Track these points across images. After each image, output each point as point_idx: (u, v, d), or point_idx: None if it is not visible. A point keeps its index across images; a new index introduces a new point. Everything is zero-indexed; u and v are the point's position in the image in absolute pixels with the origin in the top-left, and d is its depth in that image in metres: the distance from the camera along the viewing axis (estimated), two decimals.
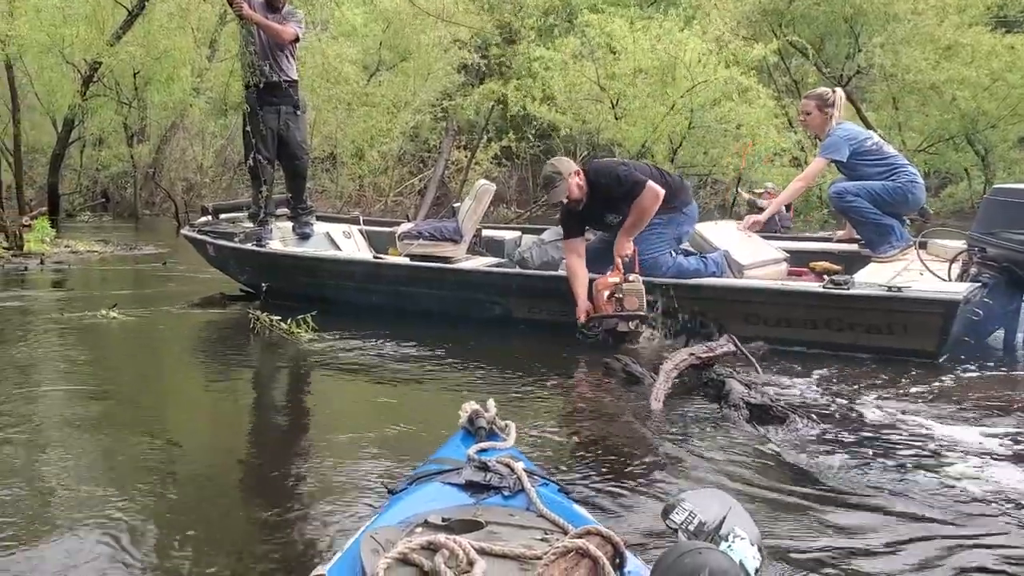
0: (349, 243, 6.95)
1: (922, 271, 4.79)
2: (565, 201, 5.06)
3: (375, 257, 6.17)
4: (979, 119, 14.93)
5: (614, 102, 13.69)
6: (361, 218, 7.55)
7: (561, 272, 5.28)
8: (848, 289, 4.59)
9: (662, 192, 4.90)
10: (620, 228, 5.00)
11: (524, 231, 6.94)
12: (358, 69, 16.44)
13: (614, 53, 13.53)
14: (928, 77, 14.35)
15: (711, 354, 4.20)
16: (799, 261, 5.56)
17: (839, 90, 5.62)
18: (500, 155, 17.66)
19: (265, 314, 5.26)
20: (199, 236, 6.64)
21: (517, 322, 5.41)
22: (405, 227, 6.39)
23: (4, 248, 9.59)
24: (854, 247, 5.67)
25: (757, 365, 4.20)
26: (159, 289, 7.49)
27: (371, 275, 5.89)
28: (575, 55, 14.06)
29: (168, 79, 16.66)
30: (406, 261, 5.90)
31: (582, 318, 4.88)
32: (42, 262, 9.10)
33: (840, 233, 5.99)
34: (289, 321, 5.08)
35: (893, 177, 5.24)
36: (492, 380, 4.19)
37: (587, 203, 5.09)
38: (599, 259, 5.15)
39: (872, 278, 4.76)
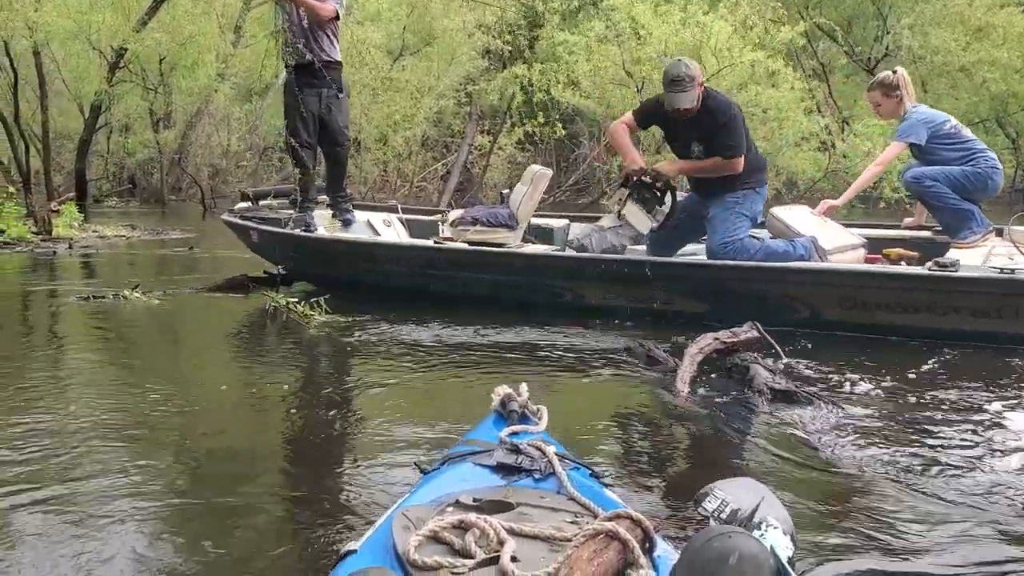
0: (390, 231, 6.79)
1: (1012, 256, 4.60)
2: (684, 109, 4.88)
3: (435, 242, 5.98)
4: (1010, 101, 14.73)
5: (640, 86, 13.60)
6: (399, 206, 7.43)
7: (641, 256, 5.23)
8: (956, 271, 4.44)
9: (737, 171, 4.94)
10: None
11: (572, 218, 6.79)
12: (382, 53, 16.44)
13: (639, 37, 13.44)
14: (958, 59, 14.19)
15: (735, 339, 4.18)
16: (871, 248, 5.39)
17: (900, 69, 5.43)
18: (523, 140, 17.60)
19: (282, 296, 5.28)
20: (241, 221, 6.48)
21: (589, 309, 5.24)
22: (455, 213, 6.23)
23: (33, 233, 9.71)
24: (927, 233, 5.52)
25: (780, 351, 4.17)
26: (186, 273, 7.55)
27: (431, 261, 5.72)
28: (600, 39, 13.98)
29: (193, 64, 16.78)
30: (466, 246, 5.74)
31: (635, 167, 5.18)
32: (70, 247, 9.21)
33: (908, 220, 5.84)
34: (302, 304, 5.10)
35: (972, 162, 5.06)
36: (518, 364, 4.18)
37: (688, 120, 4.96)
38: (662, 247, 5.27)
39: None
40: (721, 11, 13.24)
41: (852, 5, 16.01)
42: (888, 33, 15.40)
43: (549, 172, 6.18)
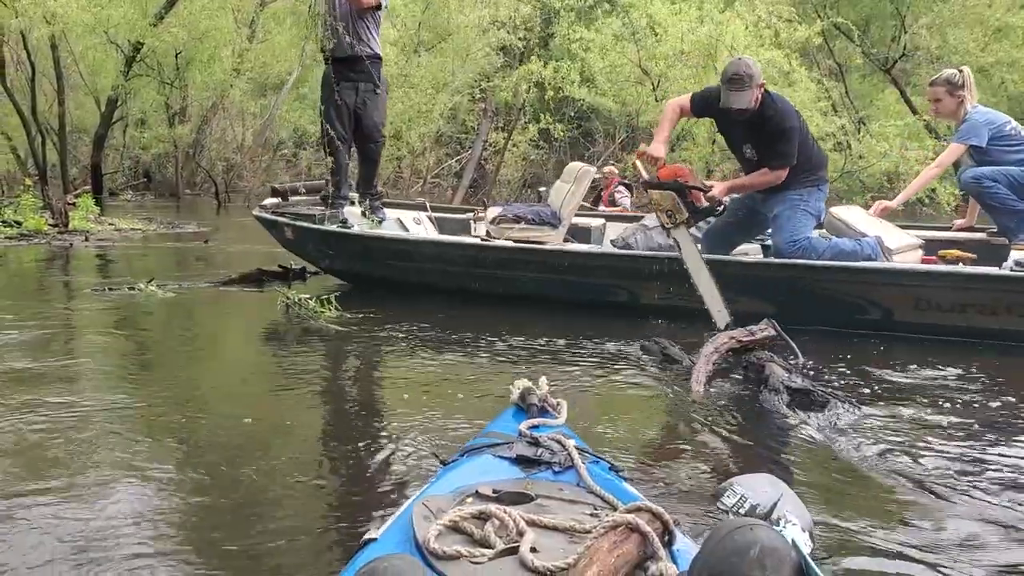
0: (419, 229, 6.64)
1: None
2: (739, 110, 4.67)
3: (482, 240, 5.79)
4: None
5: (655, 84, 13.57)
6: (428, 204, 7.28)
7: (707, 255, 5.00)
8: None
9: (778, 181, 4.76)
10: (753, 166, 4.88)
11: (608, 218, 6.65)
12: (397, 50, 16.46)
13: (656, 35, 13.42)
14: (976, 60, 14.08)
15: (752, 338, 4.15)
16: (925, 250, 5.26)
17: (966, 69, 5.29)
18: (538, 137, 17.60)
19: (294, 292, 5.28)
20: (275, 217, 6.31)
21: (645, 308, 5.12)
22: (494, 211, 6.08)
23: (50, 225, 9.78)
24: (982, 235, 5.42)
25: (797, 350, 4.15)
26: (201, 266, 7.58)
27: (477, 259, 5.57)
28: (617, 36, 13.96)
29: (209, 59, 16.83)
30: (512, 244, 5.59)
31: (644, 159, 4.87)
32: (87, 239, 9.27)
33: (959, 222, 5.72)
34: (314, 300, 5.10)
35: None
36: (537, 359, 4.18)
37: (744, 121, 4.78)
38: (718, 245, 5.11)
39: None
40: (737, 8, 13.20)
41: (870, 4, 15.92)
42: (906, 33, 15.31)
43: (593, 169, 6.03)
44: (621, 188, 10.02)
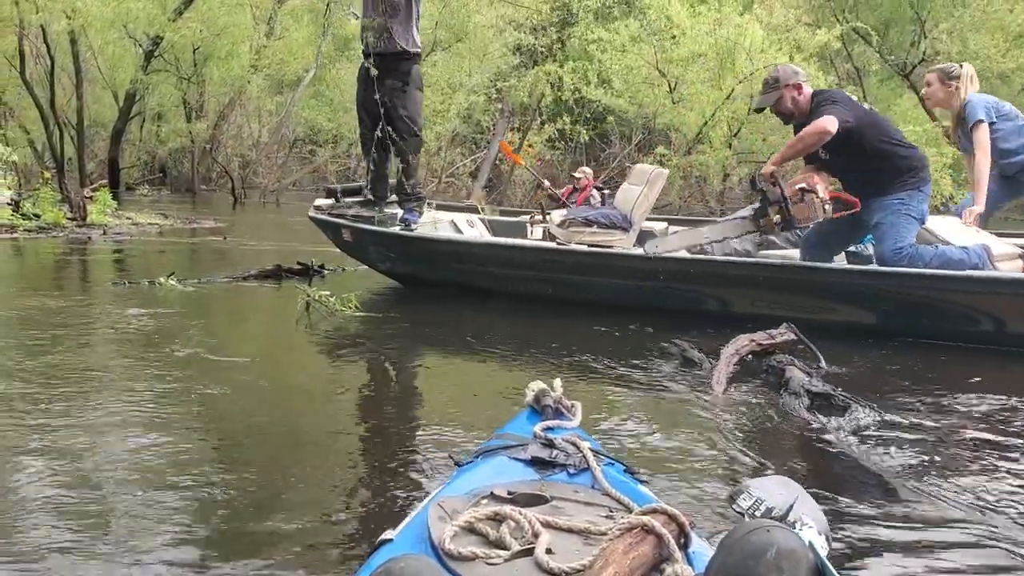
0: (473, 232, 6.52)
1: None
2: (770, 109, 4.88)
3: (558, 244, 5.58)
4: None
5: (672, 86, 13.54)
6: (480, 207, 7.19)
7: (796, 260, 4.92)
8: None
9: (831, 131, 4.44)
10: (837, 169, 4.79)
11: (670, 222, 6.49)
12: None
13: (673, 37, 13.40)
14: (996, 65, 13.98)
15: (772, 342, 4.13)
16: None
17: (967, 65, 5.25)
18: (554, 137, 17.59)
19: (314, 289, 5.30)
20: (333, 219, 6.16)
21: (734, 317, 4.81)
22: (559, 214, 5.94)
23: (68, 218, 9.86)
24: None
25: (819, 354, 4.12)
26: (219, 262, 7.61)
27: (552, 263, 5.40)
28: (634, 38, 13.94)
29: (227, 55, 16.91)
30: (591, 248, 5.41)
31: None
32: (104, 233, 9.33)
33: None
34: (334, 298, 5.11)
35: None
36: (552, 361, 4.17)
37: (805, 123, 4.71)
38: (817, 252, 4.94)
39: None
40: (756, 11, 13.16)
41: (889, 9, 15.81)
42: (925, 38, 15.22)
43: (665, 172, 5.88)
44: (594, 192, 9.96)
